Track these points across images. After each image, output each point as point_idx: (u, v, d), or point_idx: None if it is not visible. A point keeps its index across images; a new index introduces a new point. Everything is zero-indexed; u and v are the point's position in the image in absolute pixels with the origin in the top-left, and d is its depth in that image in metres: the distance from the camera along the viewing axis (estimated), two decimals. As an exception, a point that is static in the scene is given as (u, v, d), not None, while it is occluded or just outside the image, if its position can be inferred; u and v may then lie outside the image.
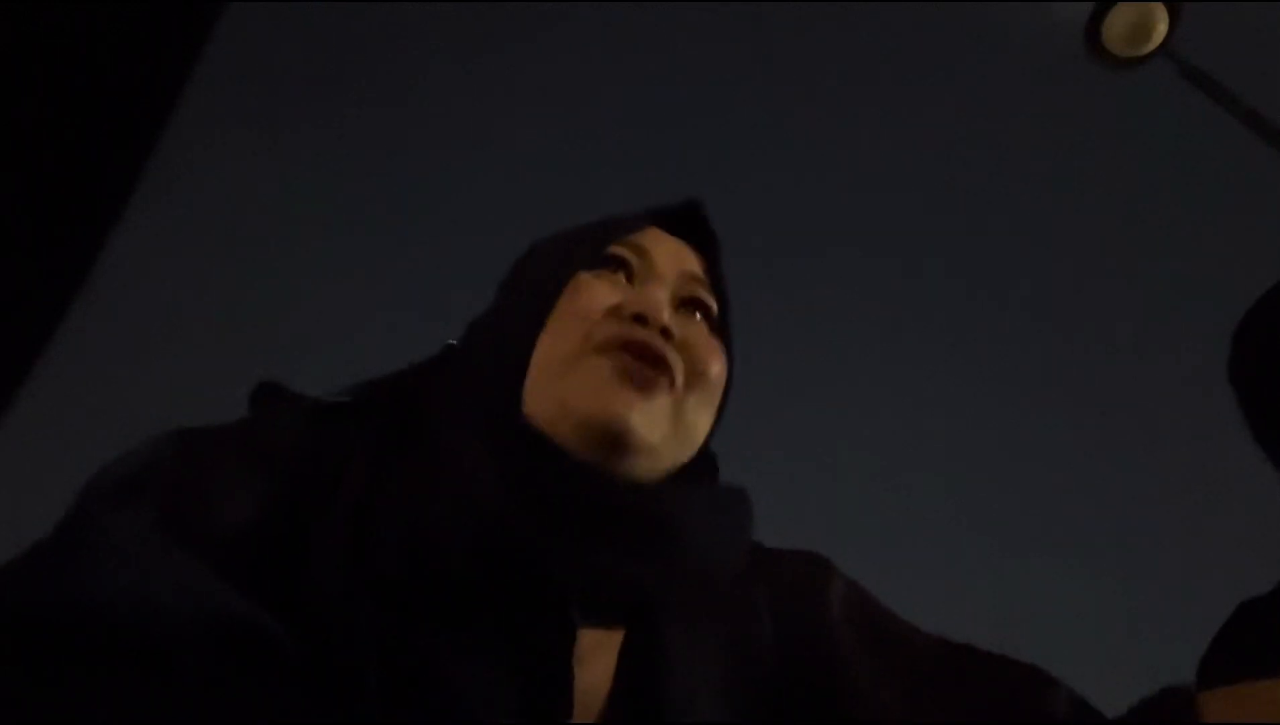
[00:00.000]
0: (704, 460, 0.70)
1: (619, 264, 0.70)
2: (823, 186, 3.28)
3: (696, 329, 0.69)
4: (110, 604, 0.45)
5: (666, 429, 0.64)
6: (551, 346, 0.64)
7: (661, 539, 0.58)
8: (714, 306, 0.72)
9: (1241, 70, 2.78)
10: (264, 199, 2.98)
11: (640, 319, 0.64)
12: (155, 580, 0.46)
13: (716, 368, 0.68)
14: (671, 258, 0.71)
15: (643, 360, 0.63)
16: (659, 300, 0.66)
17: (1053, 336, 3.25)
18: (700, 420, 0.67)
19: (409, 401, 0.65)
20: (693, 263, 0.72)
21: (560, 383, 0.62)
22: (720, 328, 0.72)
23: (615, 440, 0.60)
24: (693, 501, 0.63)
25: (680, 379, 0.65)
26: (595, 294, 0.66)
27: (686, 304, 0.70)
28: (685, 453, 0.67)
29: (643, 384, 0.62)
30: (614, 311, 0.65)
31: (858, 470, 3.09)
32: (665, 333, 0.64)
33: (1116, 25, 2.82)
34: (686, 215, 0.77)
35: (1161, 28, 2.79)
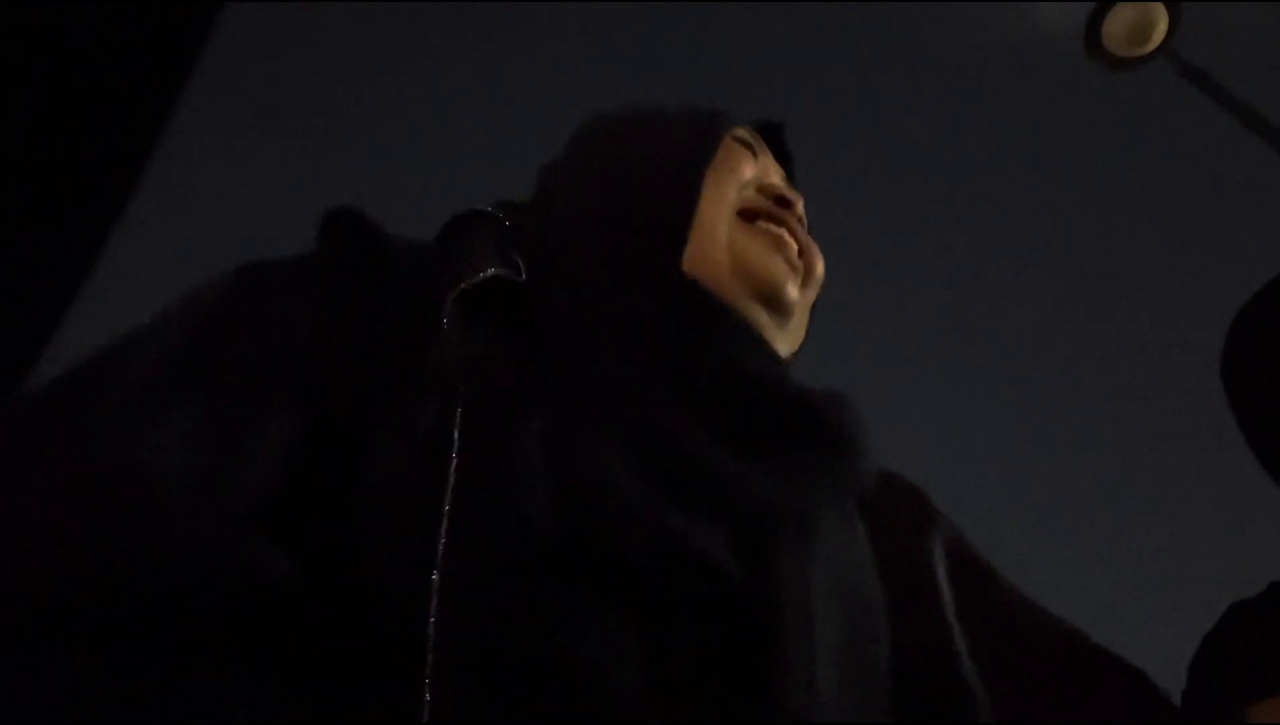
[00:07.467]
0: None
1: (749, 148, 0.70)
2: (821, 187, 3.28)
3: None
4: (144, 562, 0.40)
5: (802, 312, 0.67)
6: (712, 206, 0.63)
7: (842, 446, 0.57)
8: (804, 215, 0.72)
9: (1241, 70, 2.78)
10: (264, 199, 2.98)
11: (783, 203, 0.66)
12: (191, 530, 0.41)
13: (821, 268, 0.69)
14: (774, 163, 0.73)
15: (794, 240, 0.66)
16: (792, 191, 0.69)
17: (1051, 336, 3.26)
18: (805, 318, 0.69)
19: (517, 292, 0.57)
20: (783, 173, 0.75)
21: (725, 244, 0.63)
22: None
23: (779, 304, 0.62)
24: (845, 401, 0.61)
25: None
26: (746, 163, 0.68)
27: None
28: (794, 347, 0.69)
29: (793, 264, 0.65)
30: (762, 188, 0.67)
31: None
32: (801, 223, 0.67)
33: (1116, 25, 2.82)
34: (772, 132, 0.78)
35: (1161, 28, 2.79)
